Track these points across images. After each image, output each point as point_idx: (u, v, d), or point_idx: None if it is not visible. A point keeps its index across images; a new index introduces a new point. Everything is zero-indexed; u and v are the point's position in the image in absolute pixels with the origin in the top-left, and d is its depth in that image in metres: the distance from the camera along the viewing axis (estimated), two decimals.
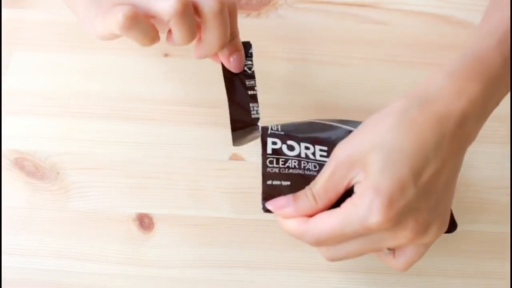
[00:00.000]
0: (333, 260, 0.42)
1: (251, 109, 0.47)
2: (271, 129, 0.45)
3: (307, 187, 0.41)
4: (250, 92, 0.47)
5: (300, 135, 0.45)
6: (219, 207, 0.54)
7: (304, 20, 0.64)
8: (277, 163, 0.43)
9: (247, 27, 0.62)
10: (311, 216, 0.41)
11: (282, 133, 0.45)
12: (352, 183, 0.40)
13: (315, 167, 0.44)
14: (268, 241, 0.53)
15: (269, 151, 0.44)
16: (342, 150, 0.40)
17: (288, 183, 0.43)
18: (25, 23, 0.63)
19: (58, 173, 0.55)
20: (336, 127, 0.46)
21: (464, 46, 0.43)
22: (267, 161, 0.43)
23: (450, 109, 0.39)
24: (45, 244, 0.53)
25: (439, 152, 0.39)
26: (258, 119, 0.46)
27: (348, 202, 0.39)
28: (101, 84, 0.60)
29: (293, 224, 0.41)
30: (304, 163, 0.43)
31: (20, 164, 0.56)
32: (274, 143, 0.44)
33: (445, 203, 0.41)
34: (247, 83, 0.47)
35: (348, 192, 0.40)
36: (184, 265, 0.52)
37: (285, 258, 0.52)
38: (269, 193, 0.42)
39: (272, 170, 0.43)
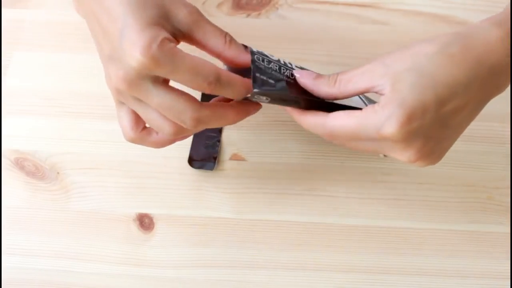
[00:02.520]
0: (332, 142, 0.45)
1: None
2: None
3: (333, 73, 0.43)
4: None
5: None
6: (219, 207, 0.54)
7: (304, 20, 0.64)
8: (263, 61, 0.45)
9: (247, 27, 0.63)
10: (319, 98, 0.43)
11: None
12: (375, 90, 0.42)
13: (292, 75, 0.45)
14: (268, 241, 0.53)
15: (254, 49, 0.45)
16: (381, 58, 0.42)
17: (272, 81, 0.44)
18: (25, 23, 0.63)
19: (58, 173, 0.55)
20: None
21: None
22: (255, 56, 0.44)
23: (490, 55, 0.41)
24: (45, 244, 0.53)
25: (467, 91, 0.41)
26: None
27: (370, 108, 0.41)
28: (101, 84, 0.59)
29: (313, 117, 0.44)
30: (283, 69, 0.45)
31: (20, 164, 0.56)
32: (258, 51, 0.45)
33: (451, 141, 0.44)
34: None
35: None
36: (184, 265, 0.52)
37: (285, 258, 0.52)
38: (260, 84, 0.43)
39: (259, 65, 0.44)
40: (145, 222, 0.53)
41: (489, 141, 0.57)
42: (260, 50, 0.45)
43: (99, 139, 0.57)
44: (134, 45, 0.39)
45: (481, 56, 0.41)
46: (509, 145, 0.57)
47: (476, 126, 0.57)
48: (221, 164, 0.56)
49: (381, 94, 0.41)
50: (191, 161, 0.55)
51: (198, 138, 0.56)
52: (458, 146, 0.56)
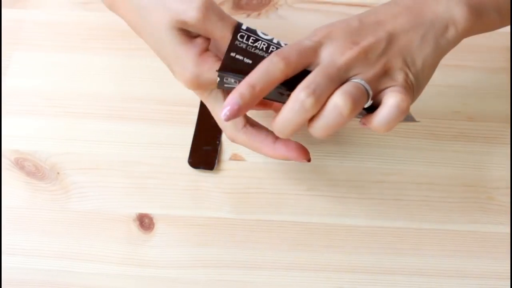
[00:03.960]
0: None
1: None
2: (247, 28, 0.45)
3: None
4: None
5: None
6: (219, 207, 0.54)
7: (304, 20, 0.64)
8: (247, 39, 0.44)
9: None
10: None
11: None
12: (320, 51, 0.42)
13: None
14: (268, 241, 0.53)
15: (243, 27, 0.44)
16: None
17: (250, 61, 0.43)
18: (25, 23, 0.63)
19: (58, 173, 0.55)
20: None
21: None
22: (238, 35, 0.44)
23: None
24: (45, 244, 0.53)
25: (391, 7, 0.45)
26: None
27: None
28: (100, 84, 0.60)
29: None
30: (272, 48, 0.44)
31: (20, 164, 0.56)
32: (250, 26, 0.45)
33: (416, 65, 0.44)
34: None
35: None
36: (184, 265, 0.52)
37: (284, 258, 0.52)
38: (229, 65, 0.43)
39: (239, 44, 0.44)
40: (145, 222, 0.53)
41: (489, 141, 0.57)
42: (255, 28, 0.45)
43: (99, 139, 0.57)
44: (182, 79, 0.45)
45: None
46: (509, 145, 0.57)
47: (476, 126, 0.58)
48: (221, 164, 0.56)
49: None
50: (191, 161, 0.55)
51: (198, 138, 0.56)
52: (458, 146, 0.57)
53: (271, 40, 0.44)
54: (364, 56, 0.42)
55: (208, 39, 0.45)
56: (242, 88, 0.41)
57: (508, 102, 0.58)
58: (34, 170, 0.56)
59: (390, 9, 0.44)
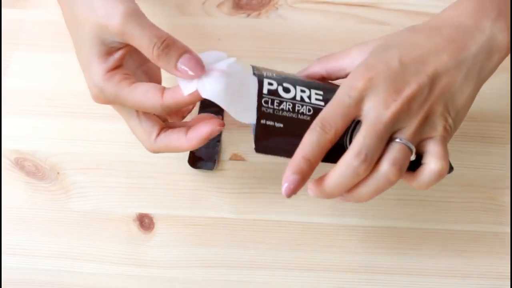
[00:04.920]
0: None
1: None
2: (266, 75, 0.45)
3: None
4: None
5: (297, 79, 0.46)
6: (219, 207, 0.54)
7: (304, 20, 0.64)
8: (272, 104, 0.43)
9: (247, 27, 0.63)
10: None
11: (278, 77, 0.45)
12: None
13: (309, 110, 0.44)
14: (268, 241, 0.53)
15: (265, 91, 0.44)
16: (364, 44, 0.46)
17: (281, 125, 0.43)
18: (25, 23, 0.63)
19: (58, 173, 0.55)
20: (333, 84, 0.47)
21: None
22: (263, 100, 0.43)
23: (451, 19, 0.44)
24: (45, 244, 0.53)
25: (433, 52, 0.43)
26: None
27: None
28: None
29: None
30: (298, 107, 0.44)
31: (20, 164, 0.56)
32: (270, 84, 0.44)
33: (455, 110, 0.43)
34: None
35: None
36: (184, 265, 0.52)
37: (285, 258, 0.52)
38: (262, 133, 0.43)
39: (267, 110, 0.43)
40: (145, 222, 0.53)
41: (489, 141, 0.57)
42: (262, 70, 0.45)
43: (99, 139, 0.57)
44: (90, 91, 0.45)
45: (441, 24, 0.44)
46: (509, 145, 0.57)
47: (476, 126, 0.58)
48: (221, 164, 0.56)
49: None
50: (191, 161, 0.55)
51: None
52: (458, 146, 0.57)
53: (294, 98, 0.44)
54: (407, 107, 0.41)
55: (124, 56, 0.44)
56: (299, 162, 0.40)
57: (508, 102, 0.58)
58: (34, 170, 0.56)
59: (433, 41, 0.43)
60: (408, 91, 0.41)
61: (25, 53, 0.61)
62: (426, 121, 0.42)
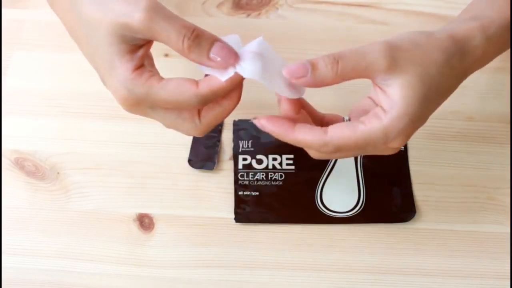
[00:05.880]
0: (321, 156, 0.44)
1: None
2: (242, 146, 0.55)
3: (325, 55, 0.41)
4: None
5: (269, 148, 0.54)
6: (219, 207, 0.54)
7: (304, 20, 0.64)
8: (247, 176, 0.53)
9: (247, 27, 0.63)
10: (319, 85, 0.42)
11: (252, 149, 0.55)
12: (380, 83, 0.42)
13: (281, 176, 0.53)
14: (268, 241, 0.53)
15: (240, 166, 0.54)
16: (388, 45, 0.42)
17: (257, 193, 0.53)
18: (25, 23, 0.63)
19: (58, 173, 0.55)
20: None
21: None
22: (238, 175, 0.53)
23: (475, 66, 0.45)
24: (45, 244, 0.53)
25: (451, 91, 0.45)
26: None
27: (375, 120, 0.41)
28: (100, 84, 0.59)
29: (310, 136, 0.42)
30: (271, 174, 0.53)
31: (20, 164, 0.56)
32: (244, 159, 0.54)
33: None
34: None
35: None
36: (184, 265, 0.52)
37: (285, 258, 0.52)
38: (240, 202, 0.53)
39: (243, 182, 0.53)
40: (145, 222, 0.53)
41: (489, 141, 0.57)
42: (240, 129, 0.54)
43: (99, 139, 0.57)
44: (115, 94, 0.42)
45: (469, 68, 0.45)
46: (509, 145, 0.57)
47: (476, 126, 0.58)
48: (221, 164, 0.56)
49: (383, 90, 0.41)
50: (191, 161, 0.55)
51: (198, 138, 0.56)
52: (458, 146, 0.57)
53: (266, 167, 0.53)
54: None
55: (146, 54, 0.42)
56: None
57: (508, 102, 0.58)
58: (34, 170, 0.56)
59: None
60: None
61: (25, 53, 0.61)
62: None
